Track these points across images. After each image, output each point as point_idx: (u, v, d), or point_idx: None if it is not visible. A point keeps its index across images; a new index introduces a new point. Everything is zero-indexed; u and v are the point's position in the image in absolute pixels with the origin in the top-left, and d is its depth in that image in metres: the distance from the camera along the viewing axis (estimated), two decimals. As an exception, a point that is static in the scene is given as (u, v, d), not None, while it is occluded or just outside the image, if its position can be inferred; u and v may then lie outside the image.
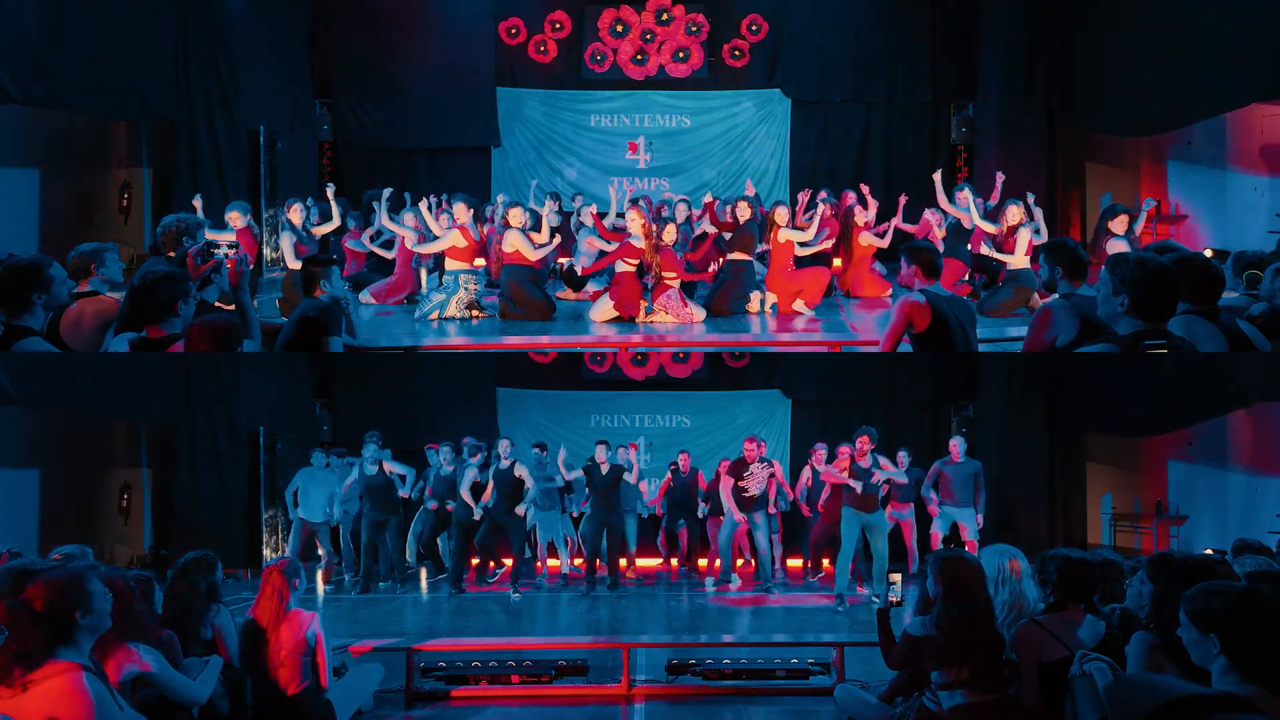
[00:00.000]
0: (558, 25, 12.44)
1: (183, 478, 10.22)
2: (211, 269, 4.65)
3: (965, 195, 9.21)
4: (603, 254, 8.97)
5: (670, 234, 8.61)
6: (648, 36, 12.42)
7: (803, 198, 10.09)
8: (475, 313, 8.65)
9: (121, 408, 9.72)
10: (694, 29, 12.44)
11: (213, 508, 10.22)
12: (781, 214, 9.00)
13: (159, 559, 10.30)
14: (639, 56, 12.45)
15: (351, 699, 5.11)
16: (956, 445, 9.53)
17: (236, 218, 8.55)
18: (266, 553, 10.37)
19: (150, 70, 10.02)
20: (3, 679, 3.05)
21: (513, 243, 8.44)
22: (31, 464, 9.53)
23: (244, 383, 10.27)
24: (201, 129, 10.45)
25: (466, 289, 8.58)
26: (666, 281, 8.39)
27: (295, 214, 9.08)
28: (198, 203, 8.82)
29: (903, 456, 9.30)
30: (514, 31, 12.40)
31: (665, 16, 12.42)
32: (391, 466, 9.50)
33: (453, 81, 12.07)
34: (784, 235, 8.89)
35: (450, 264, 8.67)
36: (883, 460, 8.56)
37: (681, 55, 12.47)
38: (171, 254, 5.09)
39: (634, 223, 8.41)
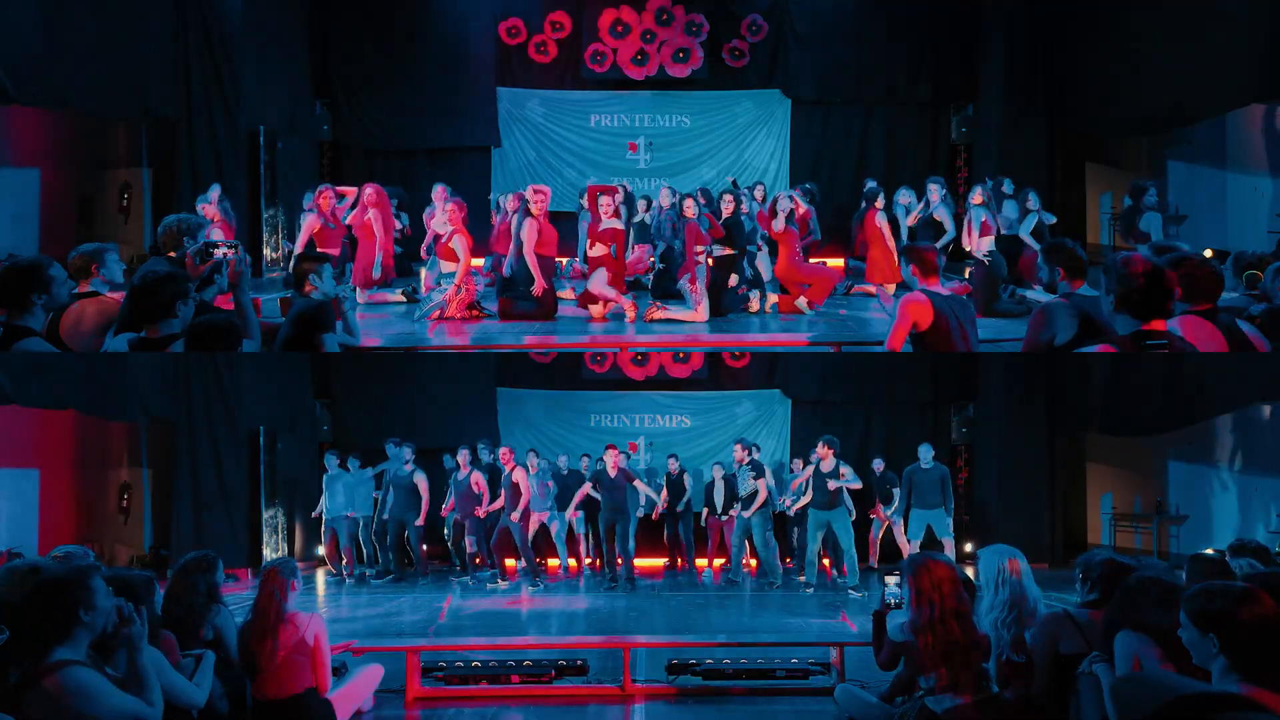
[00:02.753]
0: (558, 25, 12.44)
1: (183, 478, 10.22)
2: (211, 269, 4.64)
3: (935, 188, 9.73)
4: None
5: (689, 208, 8.65)
6: (648, 36, 12.41)
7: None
8: (475, 312, 8.65)
9: (121, 408, 9.73)
10: (694, 29, 12.43)
11: (213, 508, 10.22)
12: (783, 203, 9.03)
13: (159, 559, 10.31)
14: (639, 56, 12.45)
15: (351, 699, 5.11)
16: (925, 452, 9.71)
17: (208, 208, 8.66)
18: (266, 553, 10.38)
19: (150, 70, 10.01)
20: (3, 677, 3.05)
21: (531, 232, 8.46)
22: (31, 464, 9.53)
23: (244, 383, 10.28)
24: (201, 129, 10.44)
25: (464, 289, 8.58)
26: (695, 258, 8.49)
27: (326, 200, 9.13)
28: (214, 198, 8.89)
29: (878, 464, 10.20)
30: (514, 31, 12.39)
31: (665, 16, 12.41)
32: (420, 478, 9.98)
33: (453, 81, 12.07)
34: (779, 225, 8.93)
35: (445, 265, 8.65)
36: (842, 469, 9.22)
37: (681, 55, 12.46)
38: (172, 254, 5.08)
39: (606, 208, 8.51)
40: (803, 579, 9.38)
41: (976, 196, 9.06)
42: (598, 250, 8.54)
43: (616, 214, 8.63)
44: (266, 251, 10.86)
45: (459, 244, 8.67)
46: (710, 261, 8.80)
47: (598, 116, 12.63)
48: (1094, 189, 11.76)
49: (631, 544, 9.74)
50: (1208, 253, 7.08)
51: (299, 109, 11.67)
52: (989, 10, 11.70)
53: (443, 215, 8.89)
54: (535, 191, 8.63)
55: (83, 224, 10.15)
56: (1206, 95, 9.09)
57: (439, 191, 9.61)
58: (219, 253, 4.66)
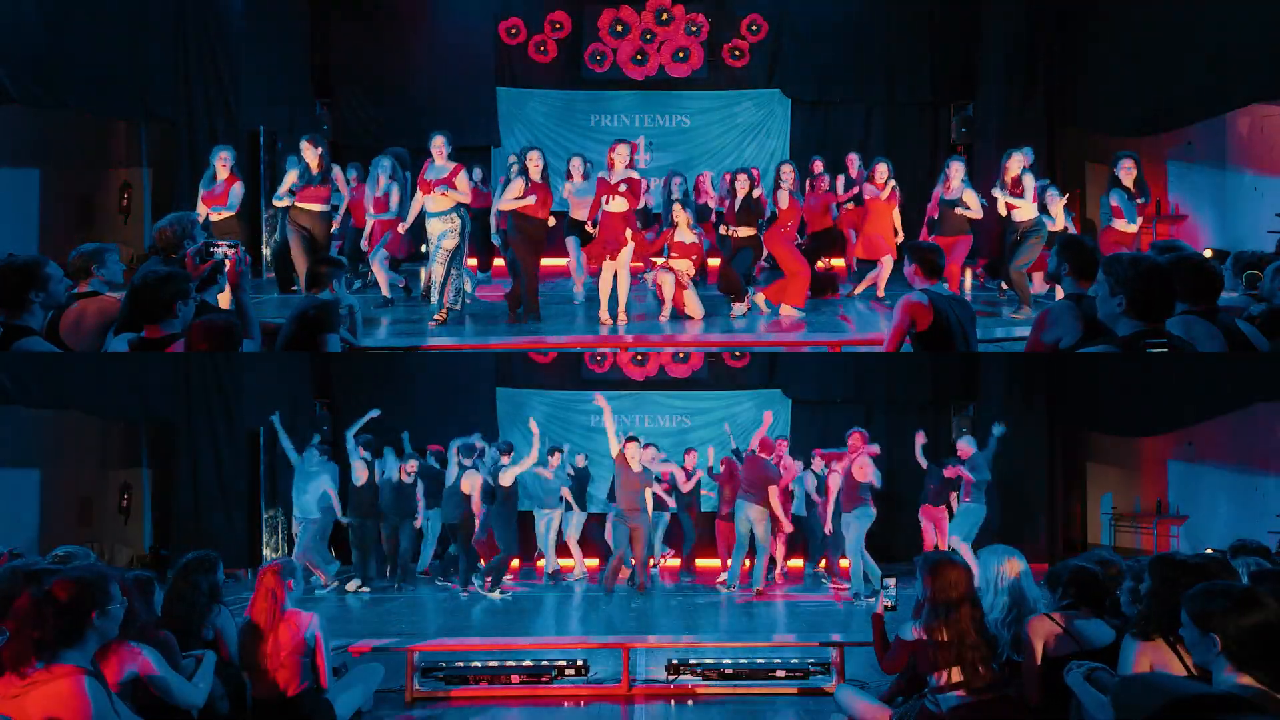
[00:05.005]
0: (558, 25, 12.44)
1: (183, 478, 10.22)
2: (212, 269, 4.63)
3: (958, 166, 9.42)
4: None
5: (680, 216, 8.66)
6: (648, 36, 12.41)
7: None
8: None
9: (121, 408, 9.72)
10: (694, 29, 12.43)
11: (213, 508, 10.21)
12: (786, 172, 8.99)
13: (159, 559, 10.31)
14: (639, 56, 12.44)
15: (351, 699, 5.11)
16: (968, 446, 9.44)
17: (225, 158, 8.58)
18: (267, 553, 10.37)
19: (150, 70, 10.01)
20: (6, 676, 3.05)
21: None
22: (31, 464, 9.53)
23: (244, 382, 10.27)
24: (201, 129, 10.43)
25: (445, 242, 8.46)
26: (674, 265, 8.54)
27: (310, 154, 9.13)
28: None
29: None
30: (514, 31, 12.39)
31: (665, 16, 12.41)
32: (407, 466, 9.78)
33: (453, 81, 12.06)
34: (784, 200, 8.90)
35: (431, 205, 8.40)
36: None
37: (681, 55, 12.46)
38: (173, 255, 5.05)
39: (621, 159, 8.49)
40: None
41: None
42: (618, 205, 8.45)
43: (632, 164, 8.58)
44: (266, 251, 10.86)
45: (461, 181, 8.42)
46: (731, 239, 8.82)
47: (598, 116, 12.61)
48: (1094, 189, 11.75)
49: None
50: (1208, 253, 7.09)
51: (299, 109, 11.66)
52: (989, 10, 11.69)
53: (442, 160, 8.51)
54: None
55: (83, 224, 10.15)
56: (1206, 95, 9.08)
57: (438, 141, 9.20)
58: (219, 252, 4.66)
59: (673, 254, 8.80)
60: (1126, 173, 8.39)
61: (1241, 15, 8.50)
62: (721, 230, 9.22)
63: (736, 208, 8.85)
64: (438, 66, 12.03)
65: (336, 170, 9.09)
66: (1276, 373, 7.86)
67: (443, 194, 8.19)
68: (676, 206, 8.88)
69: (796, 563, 10.36)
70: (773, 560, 9.66)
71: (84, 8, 9.05)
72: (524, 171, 8.53)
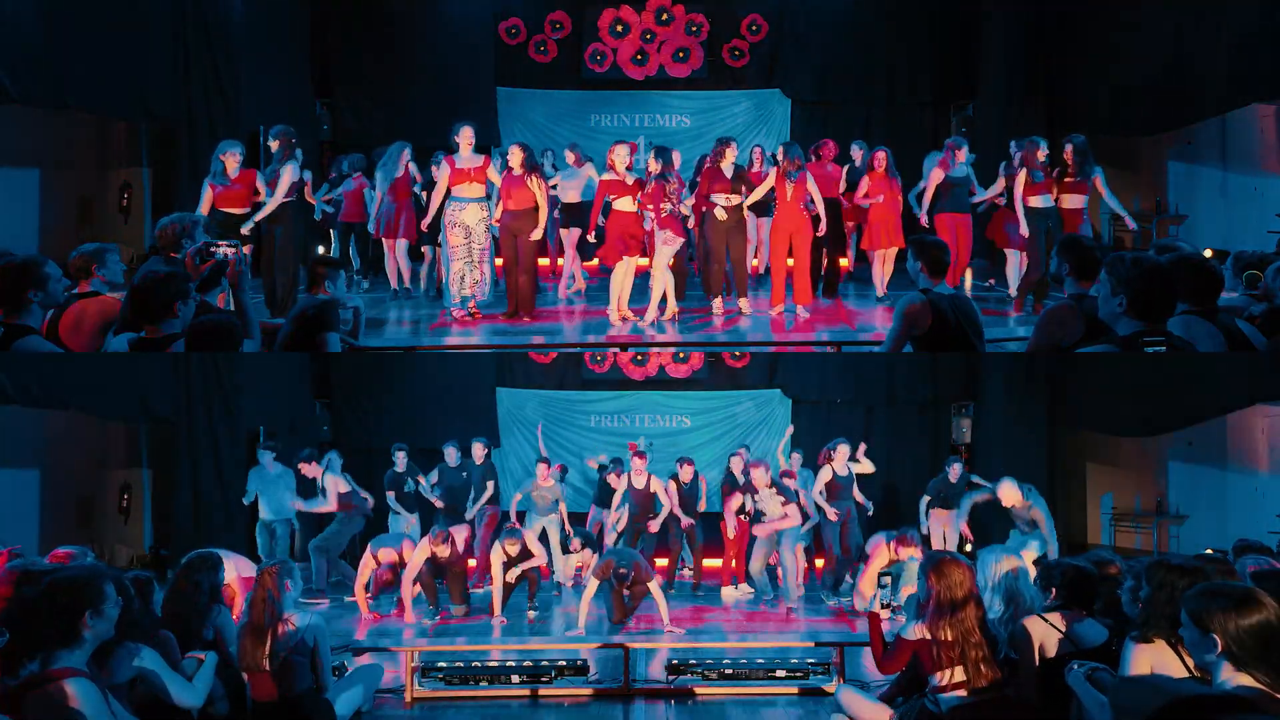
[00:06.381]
0: (558, 25, 12.44)
1: (183, 478, 10.20)
2: (212, 269, 4.63)
3: (963, 153, 9.37)
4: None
5: (654, 165, 8.48)
6: (648, 36, 12.42)
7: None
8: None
9: (121, 408, 9.71)
10: (694, 29, 12.44)
11: (213, 508, 10.20)
12: (784, 153, 8.85)
13: (159, 559, 10.29)
14: (639, 56, 12.45)
15: (351, 699, 5.11)
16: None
17: (235, 155, 8.19)
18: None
19: (150, 70, 10.00)
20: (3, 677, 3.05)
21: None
22: (31, 464, 9.52)
23: (244, 383, 10.26)
24: (201, 129, 10.42)
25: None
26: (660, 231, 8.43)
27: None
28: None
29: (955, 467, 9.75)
30: (514, 31, 12.39)
31: (665, 16, 12.41)
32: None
33: (453, 81, 12.06)
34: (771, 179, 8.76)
35: (464, 191, 8.47)
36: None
37: (681, 55, 12.46)
38: (174, 255, 5.05)
39: (620, 159, 8.38)
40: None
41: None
42: (623, 206, 8.30)
43: (629, 164, 8.44)
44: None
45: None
46: (720, 214, 8.60)
47: (598, 116, 12.62)
48: (1093, 189, 11.72)
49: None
50: (1208, 253, 7.08)
51: (299, 109, 11.65)
52: (989, 10, 11.69)
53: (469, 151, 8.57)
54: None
55: (83, 224, 10.15)
56: (1206, 95, 9.08)
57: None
58: (219, 252, 4.66)
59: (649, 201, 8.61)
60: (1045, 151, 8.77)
61: (1241, 15, 8.50)
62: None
63: (730, 175, 8.59)
64: (438, 66, 12.03)
65: (289, 167, 8.47)
66: (1276, 373, 7.86)
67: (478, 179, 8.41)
68: (654, 152, 8.60)
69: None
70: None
71: (84, 8, 9.04)
72: (507, 167, 8.53)
